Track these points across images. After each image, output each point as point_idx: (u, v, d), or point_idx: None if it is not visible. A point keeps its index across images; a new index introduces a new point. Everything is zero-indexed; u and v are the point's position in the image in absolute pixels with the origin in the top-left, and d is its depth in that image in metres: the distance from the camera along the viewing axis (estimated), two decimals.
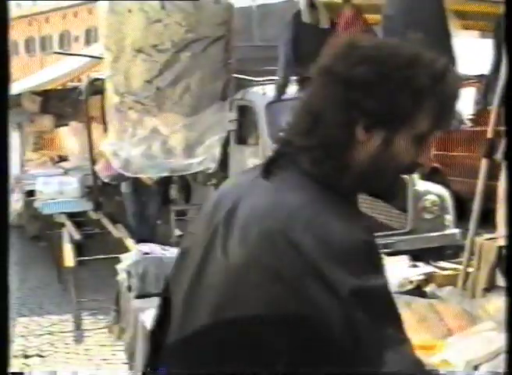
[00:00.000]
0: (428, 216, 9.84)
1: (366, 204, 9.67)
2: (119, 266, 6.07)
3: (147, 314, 5.16)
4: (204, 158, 10.73)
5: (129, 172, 5.53)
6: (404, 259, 5.75)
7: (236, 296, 2.04)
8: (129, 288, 5.80)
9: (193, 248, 2.25)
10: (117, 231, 10.10)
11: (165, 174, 5.61)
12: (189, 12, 4.84)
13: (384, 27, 4.96)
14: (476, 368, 3.52)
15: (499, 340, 3.77)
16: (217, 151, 11.17)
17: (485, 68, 5.89)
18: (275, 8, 7.15)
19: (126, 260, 6.07)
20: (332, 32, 5.65)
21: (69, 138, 15.83)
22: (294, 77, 6.22)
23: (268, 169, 2.13)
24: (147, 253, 5.97)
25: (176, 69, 4.70)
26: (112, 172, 5.48)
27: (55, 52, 22.75)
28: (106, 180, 9.88)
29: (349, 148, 2.03)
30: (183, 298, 2.21)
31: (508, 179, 2.38)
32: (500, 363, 3.47)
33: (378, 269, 1.99)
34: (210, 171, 11.40)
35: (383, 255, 2.12)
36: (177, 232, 10.27)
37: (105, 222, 11.05)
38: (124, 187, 11.36)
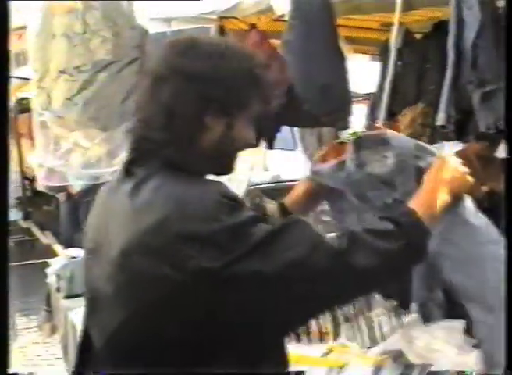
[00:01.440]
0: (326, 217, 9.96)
1: (271, 209, 9.78)
2: (49, 270, 6.02)
3: (76, 312, 5.17)
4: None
5: (52, 182, 5.50)
6: None
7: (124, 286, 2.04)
8: (58, 290, 5.77)
9: (92, 247, 2.24)
10: (45, 238, 10.00)
11: (87, 182, 5.59)
12: (107, 37, 4.86)
13: (284, 51, 5.04)
14: (369, 349, 3.61)
15: (388, 323, 3.88)
16: None
17: (373, 87, 6.04)
18: (187, 34, 7.14)
19: (55, 264, 6.03)
20: None
21: None
22: None
23: (128, 168, 2.15)
24: (74, 257, 5.94)
25: (94, 88, 4.70)
26: (52, 182, 5.46)
27: None
28: (45, 190, 9.77)
29: (200, 134, 2.08)
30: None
31: (508, 179, 2.46)
32: (389, 343, 3.56)
33: (240, 249, 1.92)
34: None
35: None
36: None
37: (34, 230, 10.92)
38: (60, 197, 11.24)
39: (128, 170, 2.15)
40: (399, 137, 2.64)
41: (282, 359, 2.22)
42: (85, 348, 2.31)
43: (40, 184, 6.02)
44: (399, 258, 2.10)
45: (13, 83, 13.45)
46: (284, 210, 2.75)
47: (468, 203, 2.51)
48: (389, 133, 2.65)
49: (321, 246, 1.99)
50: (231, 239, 1.92)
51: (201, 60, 2.07)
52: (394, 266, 2.13)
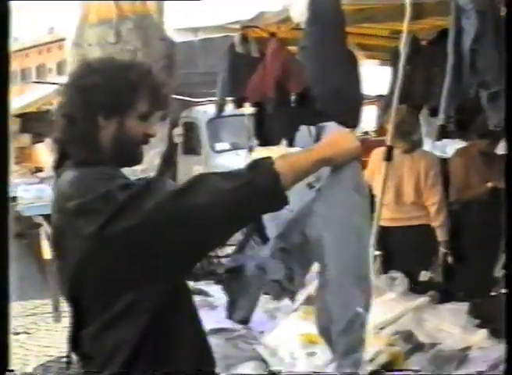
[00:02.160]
0: None
1: None
2: None
3: None
4: (146, 168, 10.74)
5: None
6: None
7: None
8: None
9: None
10: None
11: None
12: (137, 47, 4.83)
13: (300, 56, 5.03)
14: (382, 329, 3.60)
15: (399, 307, 3.86)
16: (156, 162, 11.18)
17: (384, 89, 6.01)
18: (214, 42, 7.12)
19: None
20: (261, 60, 5.70)
21: (44, 153, 15.75)
22: (230, 98, 6.25)
23: (55, 166, 2.41)
24: None
25: None
26: None
27: (34, 82, 22.50)
28: None
29: (97, 133, 2.31)
30: None
31: (508, 178, 2.37)
32: (400, 325, 3.55)
33: (109, 211, 2.09)
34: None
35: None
36: None
37: None
38: None
39: (56, 167, 2.42)
40: None
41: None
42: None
43: None
44: (240, 196, 2.11)
45: (56, 89, 13.61)
46: None
47: (353, 173, 2.42)
48: None
49: (168, 192, 2.12)
50: (103, 204, 2.11)
51: (88, 76, 2.33)
52: (237, 203, 2.12)
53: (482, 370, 2.84)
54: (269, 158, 2.17)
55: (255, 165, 2.15)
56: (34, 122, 14.89)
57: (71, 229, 2.19)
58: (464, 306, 3.71)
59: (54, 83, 13.72)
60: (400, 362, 3.13)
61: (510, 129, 2.49)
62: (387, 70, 6.08)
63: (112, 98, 2.30)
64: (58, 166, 2.39)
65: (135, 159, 2.43)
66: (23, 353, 6.80)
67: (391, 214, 5.78)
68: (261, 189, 2.11)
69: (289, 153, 2.28)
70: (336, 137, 2.37)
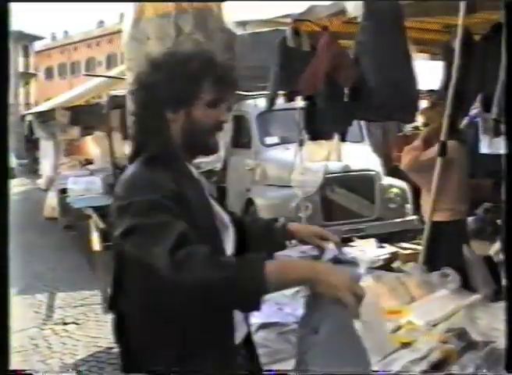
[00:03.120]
0: (392, 205, 9.91)
1: (340, 196, 9.79)
2: None
3: None
4: (212, 159, 10.79)
5: None
6: (373, 242, 5.81)
7: None
8: None
9: None
10: None
11: None
12: (199, 41, 4.85)
13: (356, 50, 5.00)
14: (435, 326, 3.57)
15: (452, 304, 3.83)
16: (222, 154, 11.24)
17: (435, 84, 5.95)
18: (264, 36, 7.13)
19: None
20: (313, 54, 5.68)
21: (93, 145, 15.91)
22: (282, 92, 6.23)
23: (130, 159, 2.49)
24: None
25: None
26: None
27: (85, 74, 22.71)
28: None
29: (168, 127, 2.41)
30: None
31: (507, 179, 2.42)
32: (454, 322, 3.52)
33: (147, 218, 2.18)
34: (216, 169, 11.51)
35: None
36: None
37: None
38: None
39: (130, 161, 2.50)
40: None
41: None
42: None
43: None
44: (220, 290, 2.08)
45: (106, 83, 13.71)
46: (284, 232, 2.71)
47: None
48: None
49: (162, 253, 2.10)
50: (125, 215, 2.23)
51: (151, 73, 2.42)
52: (213, 294, 2.10)
53: None
54: (261, 259, 2.12)
55: (246, 265, 2.10)
56: (84, 115, 15.03)
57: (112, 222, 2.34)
58: None
59: (104, 76, 13.80)
60: (453, 359, 3.10)
61: (510, 128, 2.52)
62: (438, 65, 6.01)
63: (175, 91, 2.37)
64: (132, 160, 2.47)
65: (210, 148, 2.50)
66: (72, 343, 6.90)
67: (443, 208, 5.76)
68: (243, 292, 2.08)
69: (284, 262, 2.20)
70: (335, 275, 2.13)
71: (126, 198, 2.26)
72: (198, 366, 2.29)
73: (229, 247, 2.48)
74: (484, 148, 5.55)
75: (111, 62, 47.31)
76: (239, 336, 2.46)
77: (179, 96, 2.38)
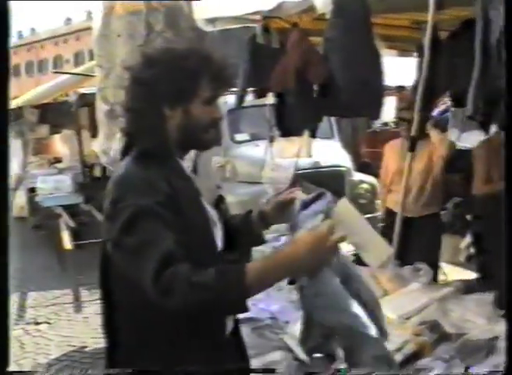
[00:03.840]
0: (362, 201, 9.98)
1: (310, 192, 9.82)
2: None
3: None
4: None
5: (116, 168, 5.55)
6: None
7: None
8: None
9: None
10: None
11: None
12: (170, 39, 4.86)
13: (325, 47, 5.03)
14: (408, 319, 3.62)
15: (424, 297, 3.88)
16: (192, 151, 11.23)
17: (403, 81, 6.02)
18: (233, 33, 7.13)
19: None
20: (283, 51, 5.70)
21: (62, 144, 15.80)
22: (252, 88, 6.25)
23: (122, 154, 2.50)
24: None
25: None
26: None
27: (54, 72, 22.47)
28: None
29: (164, 123, 2.40)
30: None
31: (507, 179, 2.41)
32: (427, 315, 3.57)
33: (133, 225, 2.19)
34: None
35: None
36: None
37: (95, 212, 11.04)
38: None
39: (122, 155, 2.50)
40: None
41: None
42: None
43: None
44: (209, 307, 2.13)
45: (74, 80, 13.62)
46: (262, 216, 2.72)
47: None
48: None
49: (147, 276, 2.11)
50: (121, 219, 2.21)
51: (149, 68, 2.40)
52: (203, 312, 2.16)
53: None
54: (242, 268, 2.12)
55: (225, 277, 2.11)
56: (52, 113, 14.94)
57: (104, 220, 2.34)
58: (488, 297, 3.72)
59: (73, 73, 13.72)
60: (427, 351, 3.15)
61: (510, 128, 2.51)
62: (407, 61, 6.08)
63: (174, 88, 2.37)
64: (124, 155, 2.47)
65: (204, 144, 2.49)
66: (45, 343, 6.87)
67: (413, 204, 5.86)
68: (228, 305, 2.15)
69: (262, 263, 2.18)
70: (310, 243, 2.16)
71: (119, 200, 2.24)
72: (189, 361, 2.32)
73: (219, 243, 2.50)
74: (462, 142, 5.64)
75: (78, 59, 47.09)
76: (227, 329, 2.50)
77: (177, 92, 2.38)
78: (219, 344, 2.43)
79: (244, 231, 2.72)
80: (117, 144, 5.06)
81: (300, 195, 2.58)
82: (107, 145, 5.17)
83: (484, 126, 4.79)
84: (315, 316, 2.39)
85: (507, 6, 2.76)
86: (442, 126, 8.86)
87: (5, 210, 2.35)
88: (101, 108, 5.16)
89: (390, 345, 3.23)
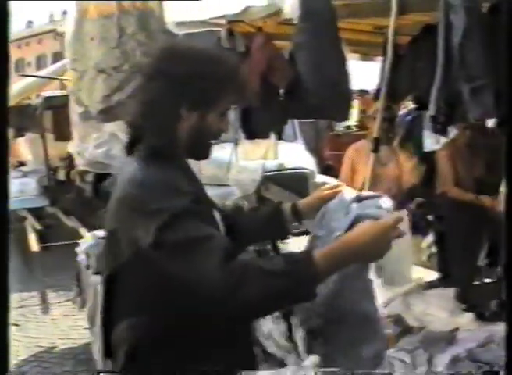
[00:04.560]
0: None
1: (275, 194, 9.92)
2: (79, 249, 6.09)
3: None
4: None
5: (94, 169, 5.59)
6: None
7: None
8: (88, 267, 5.85)
9: None
10: (70, 222, 10.13)
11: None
12: (141, 41, 4.91)
13: (295, 51, 5.11)
14: None
15: (388, 292, 3.99)
16: None
17: (366, 84, 6.15)
18: (197, 37, 7.17)
19: (84, 244, 6.10)
20: (247, 55, 5.78)
21: (25, 147, 15.72)
22: None
23: (127, 152, 2.43)
24: (102, 237, 6.01)
25: (132, 86, 4.76)
26: (94, 169, 5.58)
27: (20, 75, 22.18)
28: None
29: (177, 124, 2.33)
30: None
31: (508, 179, 2.40)
32: (390, 309, 3.68)
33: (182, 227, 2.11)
34: None
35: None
36: None
37: (60, 215, 11.05)
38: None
39: (127, 152, 2.43)
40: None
41: None
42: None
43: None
44: (282, 295, 2.10)
45: (36, 83, 13.59)
46: (296, 210, 2.76)
47: None
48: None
49: (215, 274, 2.03)
50: (158, 224, 2.11)
51: (179, 65, 2.29)
52: (276, 301, 2.13)
53: (471, 347, 2.98)
54: (311, 255, 2.12)
55: (297, 264, 2.09)
56: (15, 116, 14.86)
57: (127, 223, 2.22)
58: (450, 292, 3.85)
59: (40, 77, 13.68)
60: (391, 343, 3.26)
61: (510, 128, 2.48)
62: (369, 65, 6.19)
63: (200, 91, 2.29)
64: (129, 152, 2.41)
65: (206, 154, 2.43)
66: (14, 344, 6.89)
67: None
68: (299, 292, 2.12)
69: (328, 250, 2.17)
70: (374, 234, 2.17)
71: (147, 202, 2.16)
72: (214, 361, 2.26)
73: None
74: (429, 145, 5.79)
75: (40, 62, 46.77)
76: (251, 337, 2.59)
77: (201, 96, 2.31)
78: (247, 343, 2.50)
79: (273, 224, 2.73)
80: (91, 145, 5.11)
81: (346, 191, 2.65)
82: (82, 147, 5.22)
83: (443, 128, 4.93)
84: (339, 296, 2.48)
85: (508, 6, 2.84)
86: (407, 136, 9.00)
87: (5, 210, 2.28)
88: (75, 110, 5.19)
89: None
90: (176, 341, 2.26)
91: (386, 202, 2.55)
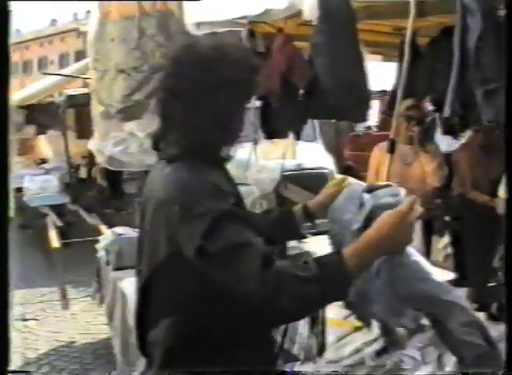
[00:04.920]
0: None
1: (294, 193, 9.96)
2: (99, 246, 6.15)
3: (124, 282, 5.32)
4: None
5: (112, 166, 5.65)
6: (326, 238, 5.99)
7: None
8: (108, 263, 5.91)
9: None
10: (91, 219, 10.21)
11: (143, 169, 5.76)
12: (161, 43, 4.98)
13: (312, 51, 5.16)
14: None
15: None
16: None
17: (386, 85, 6.17)
18: (218, 37, 7.21)
19: (104, 240, 6.16)
20: (268, 55, 5.83)
21: (47, 144, 15.85)
22: None
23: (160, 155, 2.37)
24: (121, 234, 6.07)
25: (151, 86, 4.82)
26: (113, 167, 5.64)
27: (44, 73, 22.29)
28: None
29: (223, 122, 2.27)
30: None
31: (508, 178, 2.44)
32: None
33: (228, 232, 2.09)
34: None
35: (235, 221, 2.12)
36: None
37: (81, 212, 11.14)
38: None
39: (161, 156, 2.38)
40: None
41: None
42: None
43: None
44: (318, 300, 2.11)
45: (59, 81, 13.71)
46: (307, 211, 2.81)
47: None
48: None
49: (254, 281, 2.03)
50: (202, 227, 2.09)
51: (226, 60, 2.24)
52: (312, 305, 2.17)
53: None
54: (342, 261, 2.10)
55: (331, 271, 2.08)
56: (38, 113, 15.02)
57: (166, 229, 2.22)
58: (462, 292, 3.88)
59: (62, 75, 13.82)
60: (403, 340, 3.31)
61: (510, 127, 2.50)
62: (389, 66, 6.22)
63: (247, 87, 2.30)
64: (158, 151, 2.39)
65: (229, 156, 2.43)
66: (34, 339, 6.99)
67: None
68: (335, 294, 2.14)
69: (355, 249, 2.14)
70: (395, 223, 2.17)
71: (191, 205, 2.14)
72: (237, 361, 2.28)
73: None
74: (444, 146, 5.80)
75: (63, 60, 46.98)
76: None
77: (246, 92, 2.32)
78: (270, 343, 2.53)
79: (285, 226, 2.76)
80: (110, 143, 5.18)
81: (354, 183, 2.68)
82: (102, 145, 5.29)
83: (456, 130, 4.96)
84: (397, 286, 2.51)
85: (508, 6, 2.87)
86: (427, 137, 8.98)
87: (5, 210, 2.31)
88: (96, 109, 5.27)
89: (368, 335, 3.41)
90: (210, 342, 2.28)
91: (399, 190, 2.57)
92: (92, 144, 5.45)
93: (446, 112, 4.36)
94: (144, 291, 2.42)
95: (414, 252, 2.52)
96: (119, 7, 5.07)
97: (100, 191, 13.00)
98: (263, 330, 2.39)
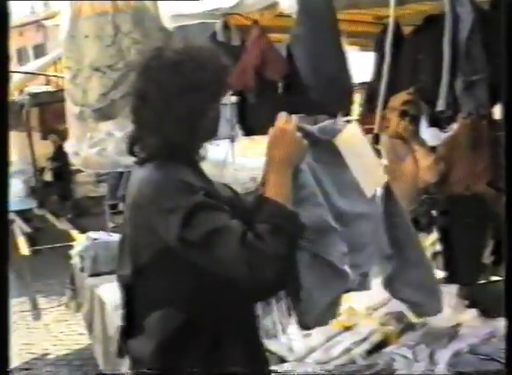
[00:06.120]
0: None
1: None
2: (73, 251, 6.22)
3: (102, 289, 5.39)
4: None
5: (88, 168, 5.70)
6: None
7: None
8: (82, 269, 5.97)
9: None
10: (61, 224, 10.23)
11: (120, 170, 5.81)
12: (137, 39, 5.04)
13: (293, 44, 5.22)
14: (375, 310, 3.88)
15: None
16: None
17: (366, 76, 6.24)
18: (190, 29, 7.26)
19: (78, 246, 6.23)
20: (243, 48, 5.88)
21: (12, 146, 15.76)
22: None
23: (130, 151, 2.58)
24: (96, 239, 6.14)
25: (127, 85, 4.88)
26: (91, 169, 5.67)
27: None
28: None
29: (200, 119, 2.47)
30: None
31: (508, 178, 2.52)
32: (392, 306, 3.83)
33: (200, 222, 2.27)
34: None
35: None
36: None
37: (49, 217, 11.13)
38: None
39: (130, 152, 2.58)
40: None
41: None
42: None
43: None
44: (285, 244, 2.28)
45: (19, 78, 13.66)
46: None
47: None
48: None
49: (235, 253, 2.22)
50: (179, 219, 2.27)
51: (202, 71, 2.44)
52: (285, 253, 2.31)
53: (474, 343, 3.14)
54: (263, 197, 2.37)
55: (274, 216, 2.31)
56: None
57: (147, 224, 2.38)
58: (453, 289, 4.00)
59: (25, 72, 13.79)
60: (393, 339, 3.43)
61: (509, 125, 2.54)
62: (369, 57, 6.27)
63: (220, 83, 2.55)
64: (132, 152, 2.57)
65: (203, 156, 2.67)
66: None
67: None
68: (291, 227, 2.33)
69: (265, 179, 2.45)
70: (271, 141, 2.57)
71: (165, 201, 2.31)
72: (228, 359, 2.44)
73: None
74: (432, 139, 5.87)
75: (22, 56, 46.72)
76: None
77: (221, 88, 2.57)
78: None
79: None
80: (86, 144, 5.23)
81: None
82: (78, 147, 5.34)
83: (445, 122, 5.05)
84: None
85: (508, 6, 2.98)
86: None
87: (6, 209, 2.35)
88: (70, 110, 5.31)
89: (358, 335, 3.53)
90: (199, 335, 2.41)
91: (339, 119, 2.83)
92: (69, 146, 5.49)
93: (441, 105, 4.42)
94: (128, 290, 2.56)
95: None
96: (92, 3, 5.11)
97: (69, 194, 13.01)
98: (243, 325, 2.54)
